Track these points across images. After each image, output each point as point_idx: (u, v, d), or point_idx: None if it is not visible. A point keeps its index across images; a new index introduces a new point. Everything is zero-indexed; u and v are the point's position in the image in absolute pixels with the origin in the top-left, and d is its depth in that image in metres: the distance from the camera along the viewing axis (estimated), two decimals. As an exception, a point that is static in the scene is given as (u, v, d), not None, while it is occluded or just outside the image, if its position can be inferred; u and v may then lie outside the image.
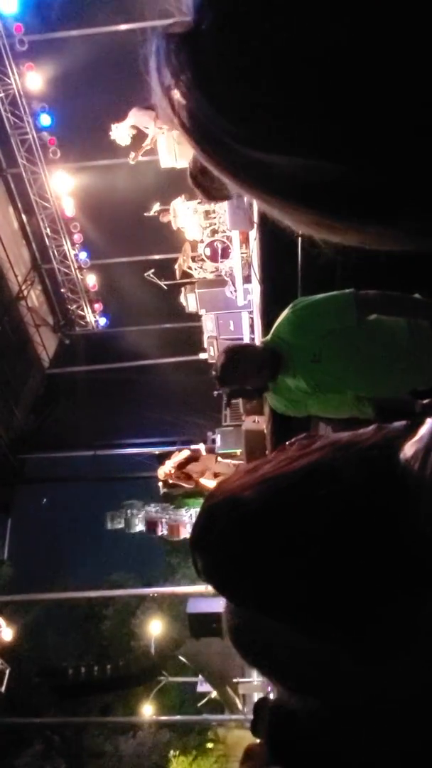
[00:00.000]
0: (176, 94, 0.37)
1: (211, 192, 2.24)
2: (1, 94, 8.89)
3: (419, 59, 0.28)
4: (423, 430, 0.56)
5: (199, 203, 7.89)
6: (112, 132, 7.44)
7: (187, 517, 11.51)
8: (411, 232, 0.36)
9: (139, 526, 11.75)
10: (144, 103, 7.95)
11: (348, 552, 0.53)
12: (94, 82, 9.01)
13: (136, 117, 7.29)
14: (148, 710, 14.34)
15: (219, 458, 8.10)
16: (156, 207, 8.08)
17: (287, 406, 2.16)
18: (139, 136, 7.59)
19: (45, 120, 9.11)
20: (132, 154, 7.65)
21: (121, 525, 11.92)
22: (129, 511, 11.69)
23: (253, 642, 0.73)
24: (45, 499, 11.91)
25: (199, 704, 13.33)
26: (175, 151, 7.33)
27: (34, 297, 11.21)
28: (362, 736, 0.62)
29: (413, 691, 0.56)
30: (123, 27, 8.61)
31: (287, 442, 0.73)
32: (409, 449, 0.54)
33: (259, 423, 5.88)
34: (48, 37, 8.72)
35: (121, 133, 7.41)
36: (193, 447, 8.41)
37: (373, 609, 0.52)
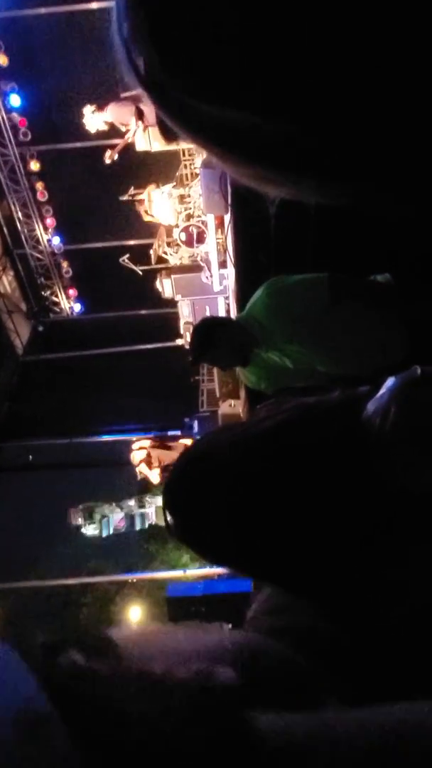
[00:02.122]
0: (133, 49, 0.38)
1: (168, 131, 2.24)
2: (-31, 73, 8.64)
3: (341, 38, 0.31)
4: (382, 390, 0.59)
5: (174, 187, 7.84)
6: (84, 117, 7.30)
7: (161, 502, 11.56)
8: (329, 187, 0.39)
9: (111, 526, 11.68)
10: (120, 93, 7.83)
11: (317, 499, 0.55)
12: (67, 62, 8.81)
13: (114, 112, 7.16)
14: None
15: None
16: (131, 191, 8.00)
17: (260, 380, 2.20)
18: (114, 130, 7.47)
19: (15, 100, 8.88)
20: (108, 152, 7.53)
21: (96, 532, 11.81)
22: (101, 514, 11.55)
23: None
24: (30, 456, 11.87)
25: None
26: (149, 135, 7.25)
27: (6, 283, 11.01)
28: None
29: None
30: (95, 5, 8.42)
31: (258, 406, 0.76)
32: (370, 406, 0.57)
33: (235, 407, 5.92)
34: (17, 14, 8.47)
35: (94, 121, 7.29)
36: (170, 433, 8.45)
37: (344, 555, 0.55)
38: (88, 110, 7.36)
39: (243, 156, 0.38)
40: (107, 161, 7.55)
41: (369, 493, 0.53)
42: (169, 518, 0.67)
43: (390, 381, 0.58)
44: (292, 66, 0.31)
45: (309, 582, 0.57)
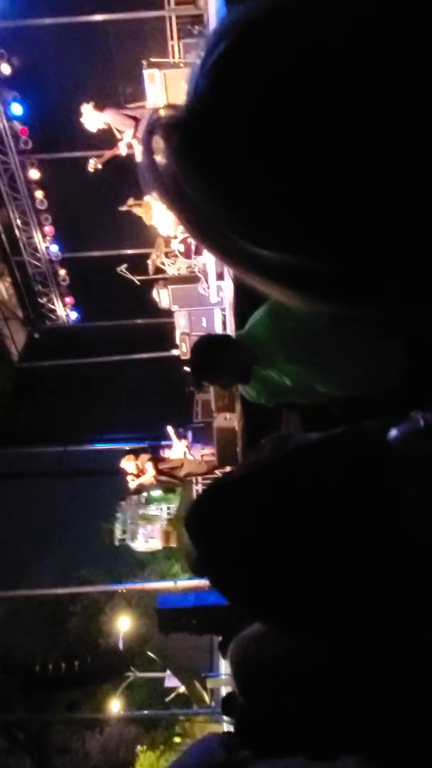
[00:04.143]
0: (172, 174, 0.38)
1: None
2: (-29, 82, 8.68)
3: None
4: (398, 429, 0.59)
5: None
6: (83, 114, 7.29)
7: (158, 511, 11.55)
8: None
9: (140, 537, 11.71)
10: (118, 101, 7.88)
11: (331, 542, 0.55)
12: (68, 73, 8.87)
13: (113, 116, 7.18)
14: (116, 706, 14.31)
15: (188, 454, 8.15)
16: (130, 201, 8.02)
17: (260, 395, 2.20)
18: (109, 135, 7.48)
19: (16, 109, 8.93)
20: (93, 161, 7.54)
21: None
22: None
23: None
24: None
25: (167, 699, 13.37)
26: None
27: (3, 289, 11.01)
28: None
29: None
30: (98, 17, 8.50)
31: (263, 440, 0.76)
32: (389, 438, 0.57)
33: (231, 420, 5.92)
34: (20, 25, 8.54)
35: (92, 120, 7.30)
36: (163, 443, 8.44)
37: (372, 595, 0.55)
38: (87, 108, 7.36)
39: (284, 287, 0.40)
40: (91, 169, 7.58)
41: (385, 537, 0.53)
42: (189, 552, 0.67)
43: (393, 432, 0.58)
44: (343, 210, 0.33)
45: (322, 625, 0.57)
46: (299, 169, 0.33)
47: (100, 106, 7.30)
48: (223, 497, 0.64)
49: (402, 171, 0.32)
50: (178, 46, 8.12)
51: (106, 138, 7.61)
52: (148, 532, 11.30)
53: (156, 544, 11.16)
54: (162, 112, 0.39)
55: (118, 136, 7.18)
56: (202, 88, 0.36)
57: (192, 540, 0.67)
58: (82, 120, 7.30)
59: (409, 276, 0.36)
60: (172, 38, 8.33)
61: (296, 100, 0.33)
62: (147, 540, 11.37)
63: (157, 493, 10.45)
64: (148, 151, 0.39)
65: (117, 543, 11.95)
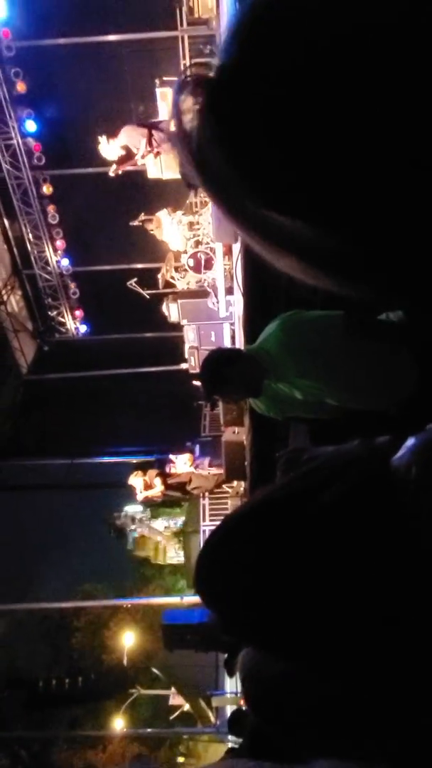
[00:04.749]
0: (199, 141, 0.39)
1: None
2: (-13, 99, 8.86)
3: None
4: (403, 450, 0.59)
5: (183, 214, 7.95)
6: (100, 146, 7.45)
7: (162, 527, 11.50)
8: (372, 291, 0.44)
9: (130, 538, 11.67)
10: (131, 119, 8.00)
11: (348, 568, 0.54)
12: (81, 91, 9.04)
13: (128, 135, 7.30)
14: (119, 724, 14.11)
15: (196, 469, 8.13)
16: (141, 217, 8.11)
17: (269, 409, 2.19)
18: (129, 155, 7.61)
19: (30, 126, 9.10)
20: (114, 166, 7.68)
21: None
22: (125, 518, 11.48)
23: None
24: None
25: (171, 717, 13.18)
26: (161, 163, 7.38)
27: (14, 302, 11.10)
28: None
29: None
30: (111, 37, 8.67)
31: (277, 454, 0.76)
32: (399, 458, 0.57)
33: (239, 434, 5.91)
34: (36, 44, 8.72)
35: (110, 149, 7.45)
36: (178, 456, 8.42)
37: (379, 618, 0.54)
38: (102, 140, 7.53)
39: (291, 253, 0.40)
40: (111, 174, 7.73)
41: (402, 549, 0.52)
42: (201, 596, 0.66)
43: (411, 441, 0.57)
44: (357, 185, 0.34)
45: (337, 659, 0.56)
46: (319, 133, 0.34)
47: (113, 133, 7.44)
48: (234, 538, 0.62)
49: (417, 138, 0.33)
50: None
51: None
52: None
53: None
54: (191, 71, 0.40)
55: (134, 150, 7.29)
56: (232, 51, 0.37)
57: (198, 579, 0.65)
58: (100, 150, 7.44)
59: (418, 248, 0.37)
60: (184, 57, 8.48)
61: (324, 66, 0.34)
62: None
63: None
64: (176, 108, 0.41)
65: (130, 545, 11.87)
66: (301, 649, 0.59)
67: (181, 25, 8.32)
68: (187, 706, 11.43)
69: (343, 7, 0.34)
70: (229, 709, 8.52)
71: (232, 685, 9.32)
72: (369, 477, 0.57)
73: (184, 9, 8.12)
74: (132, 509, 11.29)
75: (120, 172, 7.64)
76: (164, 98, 7.15)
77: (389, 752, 0.62)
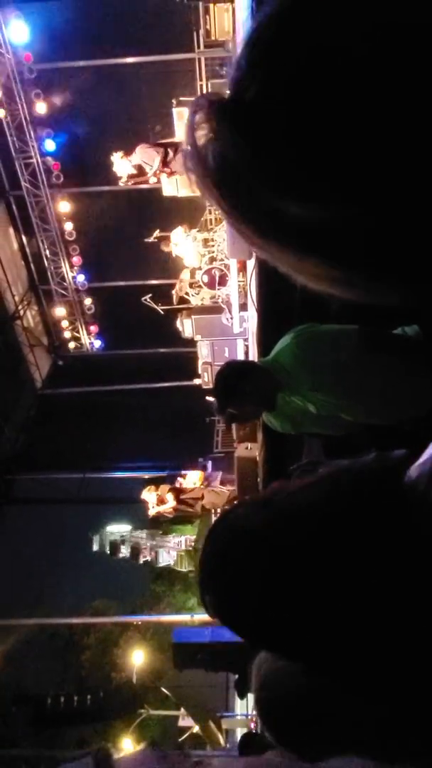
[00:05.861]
0: (208, 140, 0.40)
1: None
2: (9, 119, 9.08)
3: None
4: (425, 456, 0.58)
5: (198, 231, 8.04)
6: (114, 161, 7.60)
7: (174, 543, 11.41)
8: (397, 285, 0.41)
9: (124, 552, 11.61)
10: (147, 139, 8.16)
11: (361, 576, 0.53)
12: (100, 111, 9.25)
13: (142, 154, 7.45)
14: (127, 744, 13.89)
15: (208, 485, 8.10)
16: (156, 234, 8.22)
17: (283, 424, 2.17)
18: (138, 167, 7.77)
19: (50, 145, 9.30)
20: (125, 177, 7.83)
21: (106, 550, 11.74)
22: (116, 536, 11.53)
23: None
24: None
25: (180, 739, 12.93)
26: (176, 181, 7.49)
27: (30, 317, 11.25)
28: None
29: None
30: (129, 60, 8.87)
31: (291, 468, 0.75)
32: (413, 472, 0.56)
33: (252, 450, 5.88)
34: (56, 66, 8.96)
35: (124, 167, 7.60)
36: (189, 473, 8.41)
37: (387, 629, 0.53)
38: (116, 156, 7.67)
39: (304, 250, 0.40)
40: (121, 184, 7.90)
41: (413, 562, 0.51)
42: (206, 597, 0.65)
43: (426, 456, 0.56)
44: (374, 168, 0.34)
45: (349, 664, 0.55)
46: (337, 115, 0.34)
47: (128, 151, 7.59)
48: (241, 542, 0.62)
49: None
50: (207, 87, 8.41)
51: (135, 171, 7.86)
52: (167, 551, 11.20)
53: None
54: (205, 96, 0.41)
55: (147, 168, 7.42)
56: (244, 63, 0.38)
57: (204, 583, 0.64)
58: (114, 168, 7.60)
59: None
60: (201, 79, 8.64)
61: (335, 65, 0.34)
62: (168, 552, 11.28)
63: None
64: (191, 126, 0.41)
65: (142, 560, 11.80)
66: (318, 651, 0.58)
67: (198, 47, 8.50)
68: (196, 728, 11.22)
69: (359, 10, 0.34)
70: (240, 732, 8.35)
71: (242, 706, 9.14)
72: (382, 491, 0.57)
73: (201, 32, 8.29)
74: (118, 528, 11.32)
75: (130, 183, 7.80)
76: (181, 118, 7.28)
77: (413, 751, 0.60)
